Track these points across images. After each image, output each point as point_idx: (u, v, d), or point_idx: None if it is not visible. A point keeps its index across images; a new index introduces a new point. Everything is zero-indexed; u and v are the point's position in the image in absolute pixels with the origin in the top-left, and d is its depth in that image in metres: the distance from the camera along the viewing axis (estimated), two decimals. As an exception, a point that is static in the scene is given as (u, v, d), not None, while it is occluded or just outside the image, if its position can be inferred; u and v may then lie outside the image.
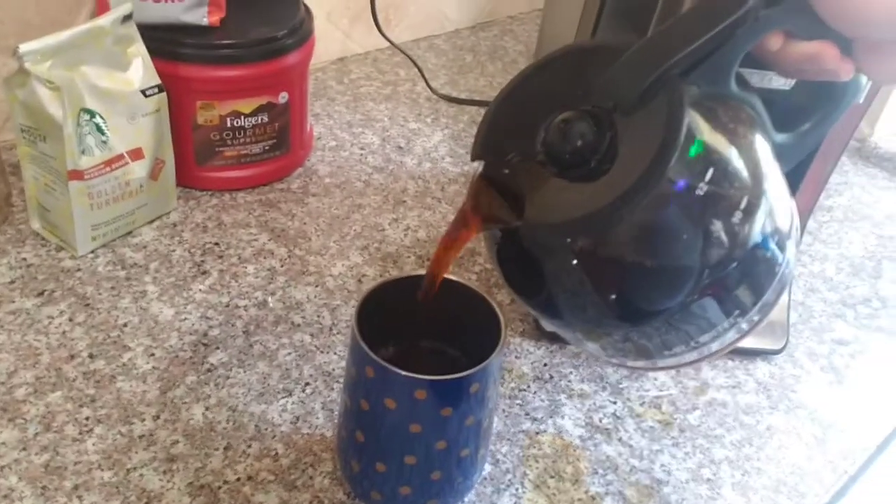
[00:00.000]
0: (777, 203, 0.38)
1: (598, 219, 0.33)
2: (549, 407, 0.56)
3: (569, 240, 0.35)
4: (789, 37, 0.36)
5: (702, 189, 0.34)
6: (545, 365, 0.59)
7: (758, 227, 0.36)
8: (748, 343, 0.61)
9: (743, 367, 0.61)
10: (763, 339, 0.62)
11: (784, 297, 0.64)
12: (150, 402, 0.52)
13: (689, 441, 0.55)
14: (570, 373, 0.59)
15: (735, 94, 0.37)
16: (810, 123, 0.41)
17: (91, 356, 0.54)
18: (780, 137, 0.39)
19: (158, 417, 0.51)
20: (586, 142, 0.34)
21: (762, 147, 0.37)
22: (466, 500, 0.49)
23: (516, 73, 0.39)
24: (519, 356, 0.60)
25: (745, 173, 0.36)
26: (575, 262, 0.36)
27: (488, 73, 0.99)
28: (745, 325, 0.39)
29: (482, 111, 0.90)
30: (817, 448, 0.55)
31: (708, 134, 0.35)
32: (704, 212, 0.35)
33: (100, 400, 0.51)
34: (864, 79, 0.39)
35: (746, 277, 0.37)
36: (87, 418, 0.50)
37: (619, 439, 0.54)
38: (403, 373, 0.39)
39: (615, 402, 0.57)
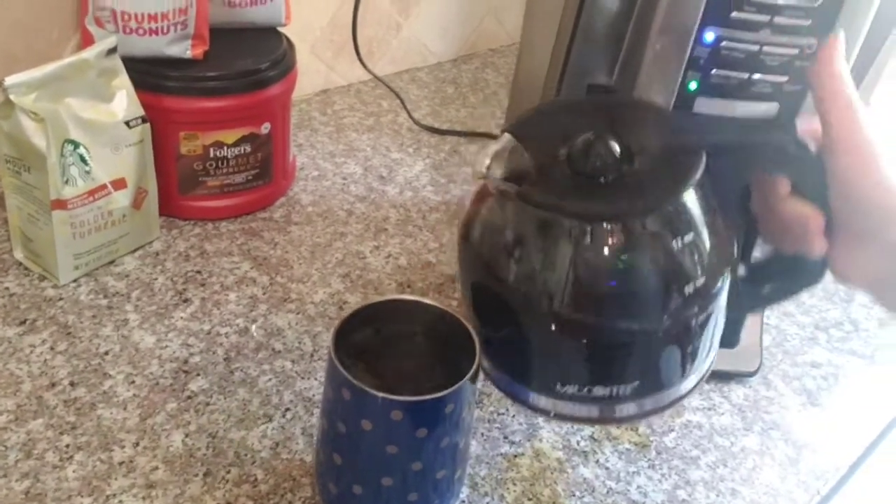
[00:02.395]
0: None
1: (584, 215, 0.39)
2: (527, 430, 0.57)
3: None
4: (793, 192, 0.41)
5: (677, 244, 0.40)
6: (524, 389, 0.60)
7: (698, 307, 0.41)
8: (723, 366, 0.63)
9: (718, 390, 0.62)
10: (737, 362, 0.63)
11: (758, 321, 0.65)
12: (130, 429, 0.52)
13: (665, 463, 0.56)
14: (549, 396, 0.60)
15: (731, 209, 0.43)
16: (769, 288, 0.46)
17: (72, 384, 0.55)
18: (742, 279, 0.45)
19: (138, 444, 0.51)
20: (605, 162, 0.39)
21: (727, 257, 0.43)
22: (445, 523, 0.49)
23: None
24: (498, 380, 0.60)
25: (706, 257, 0.41)
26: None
27: (469, 105, 1.01)
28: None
29: (463, 141, 0.92)
30: (790, 468, 0.56)
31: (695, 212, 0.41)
32: (666, 264, 0.40)
33: (80, 427, 0.52)
34: (824, 269, 0.43)
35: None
36: (67, 445, 0.50)
37: (597, 461, 0.55)
38: (379, 394, 0.40)
39: (592, 426, 0.58)
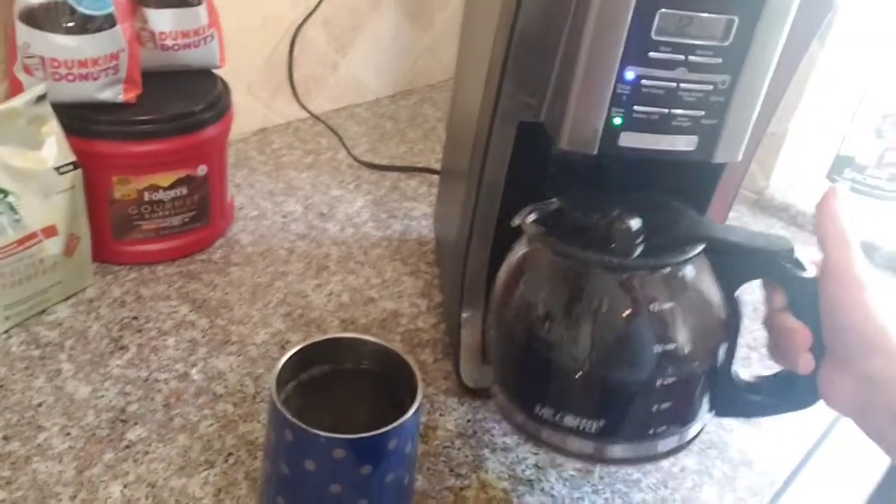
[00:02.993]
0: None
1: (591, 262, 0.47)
2: (472, 462, 0.57)
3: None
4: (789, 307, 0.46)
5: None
6: (468, 421, 0.61)
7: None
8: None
9: (657, 412, 0.64)
10: (675, 384, 0.65)
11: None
12: (66, 482, 0.51)
13: (608, 487, 0.57)
14: (493, 427, 0.60)
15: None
16: (760, 399, 0.51)
17: (5, 438, 0.53)
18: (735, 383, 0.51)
19: (75, 497, 0.50)
20: (638, 235, 0.47)
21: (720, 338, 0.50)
22: (392, 561, 0.49)
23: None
24: (443, 413, 0.61)
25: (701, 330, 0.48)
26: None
27: (408, 140, 1.03)
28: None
29: (403, 176, 0.93)
30: (727, 486, 0.58)
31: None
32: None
33: (15, 482, 0.50)
34: (815, 394, 0.47)
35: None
36: (3, 501, 0.49)
37: (542, 489, 0.56)
38: (321, 433, 0.40)
39: (537, 454, 0.58)
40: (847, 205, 0.46)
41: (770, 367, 0.50)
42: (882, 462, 0.68)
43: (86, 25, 0.61)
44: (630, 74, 0.50)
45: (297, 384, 0.45)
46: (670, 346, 0.47)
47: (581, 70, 0.51)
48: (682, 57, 0.50)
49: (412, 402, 0.43)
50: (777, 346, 0.47)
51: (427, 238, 0.83)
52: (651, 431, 0.48)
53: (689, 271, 0.48)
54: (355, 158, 0.95)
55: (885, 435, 0.43)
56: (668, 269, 0.47)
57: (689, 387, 0.48)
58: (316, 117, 0.97)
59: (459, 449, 0.58)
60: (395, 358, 0.46)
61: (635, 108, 0.51)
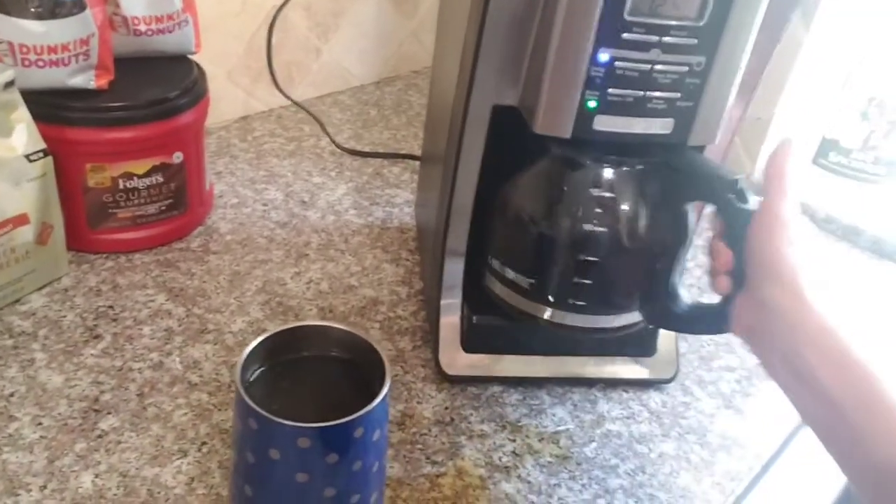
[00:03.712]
0: None
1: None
2: (449, 449, 0.57)
3: None
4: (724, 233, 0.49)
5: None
6: (446, 408, 0.60)
7: None
8: (641, 374, 0.64)
9: (637, 398, 0.64)
10: (655, 370, 0.65)
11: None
12: (36, 472, 0.50)
13: (586, 473, 0.56)
14: (471, 414, 0.60)
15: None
16: (682, 314, 0.56)
17: (-26, 430, 0.52)
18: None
19: (45, 487, 0.49)
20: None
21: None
22: (366, 549, 0.49)
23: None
24: (420, 401, 0.61)
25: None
26: None
27: (393, 126, 1.02)
28: None
29: (386, 163, 0.93)
30: (705, 470, 0.58)
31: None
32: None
33: (-18, 475, 0.50)
34: (726, 325, 0.50)
35: None
36: (-33, 495, 0.48)
37: (518, 476, 0.55)
38: (285, 422, 0.39)
39: (514, 440, 0.58)
40: (797, 158, 0.48)
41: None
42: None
43: (55, 10, 0.60)
44: (604, 56, 0.50)
45: (263, 372, 0.44)
46: (601, 229, 0.54)
47: (554, 52, 0.50)
48: (656, 38, 0.49)
49: (380, 389, 0.42)
50: (709, 268, 0.52)
51: (409, 225, 0.82)
52: (570, 301, 0.56)
53: (642, 177, 0.54)
54: (338, 145, 0.94)
55: (774, 370, 0.44)
56: (624, 169, 0.54)
57: (614, 273, 0.56)
58: (297, 104, 0.96)
59: (436, 436, 0.58)
60: (364, 345, 0.45)
61: (609, 90, 0.51)
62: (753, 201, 0.49)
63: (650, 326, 0.63)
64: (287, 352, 0.46)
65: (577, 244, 0.55)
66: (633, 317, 0.58)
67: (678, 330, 0.62)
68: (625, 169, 0.54)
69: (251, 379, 0.44)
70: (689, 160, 0.54)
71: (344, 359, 0.47)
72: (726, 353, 0.70)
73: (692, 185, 0.53)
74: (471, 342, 0.63)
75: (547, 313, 0.58)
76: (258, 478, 0.42)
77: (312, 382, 0.48)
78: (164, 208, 0.70)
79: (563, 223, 0.55)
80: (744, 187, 0.51)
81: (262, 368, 0.45)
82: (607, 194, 0.54)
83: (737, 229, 0.48)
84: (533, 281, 0.57)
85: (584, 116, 0.52)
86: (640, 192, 0.55)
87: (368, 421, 0.41)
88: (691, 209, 0.56)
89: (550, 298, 0.57)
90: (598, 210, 0.54)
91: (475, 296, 0.63)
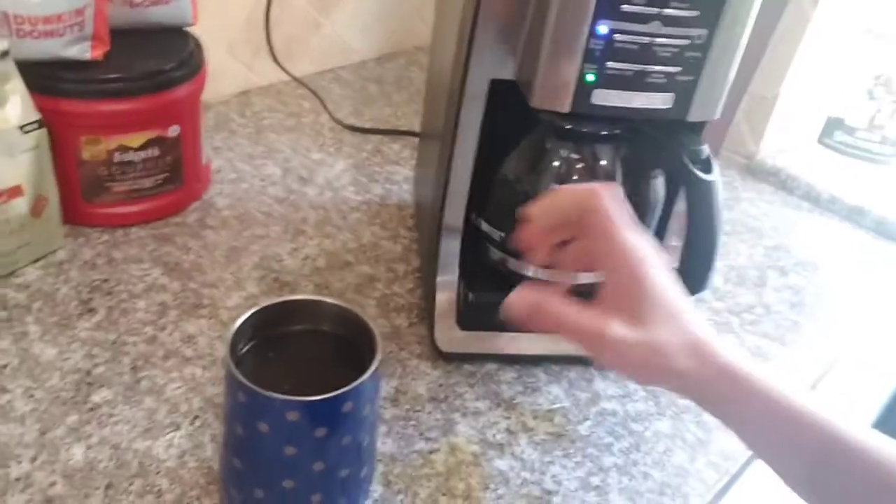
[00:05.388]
0: None
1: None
2: (443, 426, 0.57)
3: None
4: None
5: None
6: (440, 385, 0.60)
7: None
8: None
9: (633, 377, 0.63)
10: (652, 349, 0.64)
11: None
12: (27, 444, 0.50)
13: (580, 451, 0.56)
14: (465, 392, 0.60)
15: None
16: None
17: (-33, 401, 0.52)
18: None
19: (36, 459, 0.49)
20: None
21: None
22: (357, 523, 0.49)
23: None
24: (415, 378, 0.60)
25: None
26: None
27: (394, 103, 1.01)
28: None
29: (386, 139, 0.92)
30: (700, 450, 0.57)
31: None
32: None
33: (-26, 446, 0.50)
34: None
35: None
36: (-41, 465, 0.48)
37: (512, 453, 0.55)
38: (274, 395, 0.39)
39: (509, 418, 0.58)
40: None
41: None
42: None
43: (49, -21, 0.60)
44: (603, 28, 0.49)
45: (254, 346, 0.44)
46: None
47: (552, 24, 0.49)
48: (656, 10, 0.48)
49: (372, 364, 0.42)
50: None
51: (407, 202, 0.81)
52: None
53: (614, 142, 0.56)
54: (337, 121, 0.93)
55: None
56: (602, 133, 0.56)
57: None
58: (296, 79, 0.95)
59: (430, 413, 0.57)
60: (355, 320, 0.45)
61: (608, 64, 0.50)
62: (717, 173, 0.49)
63: None
64: (278, 325, 0.45)
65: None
66: None
67: None
68: (603, 133, 0.56)
69: (242, 352, 0.44)
70: (658, 128, 0.54)
71: (335, 334, 0.46)
72: (725, 331, 0.70)
73: (658, 154, 0.54)
74: (467, 319, 0.62)
75: (531, 271, 0.59)
76: (247, 451, 0.42)
77: (303, 357, 0.47)
78: (160, 182, 0.70)
79: (542, 182, 0.57)
80: (710, 157, 0.51)
81: (253, 342, 0.45)
82: (578, 156, 0.57)
83: (698, 200, 0.49)
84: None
85: (583, 90, 0.51)
86: (612, 156, 0.56)
87: (358, 395, 0.41)
88: (659, 178, 0.57)
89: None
90: (574, 170, 0.57)
91: (471, 273, 0.62)
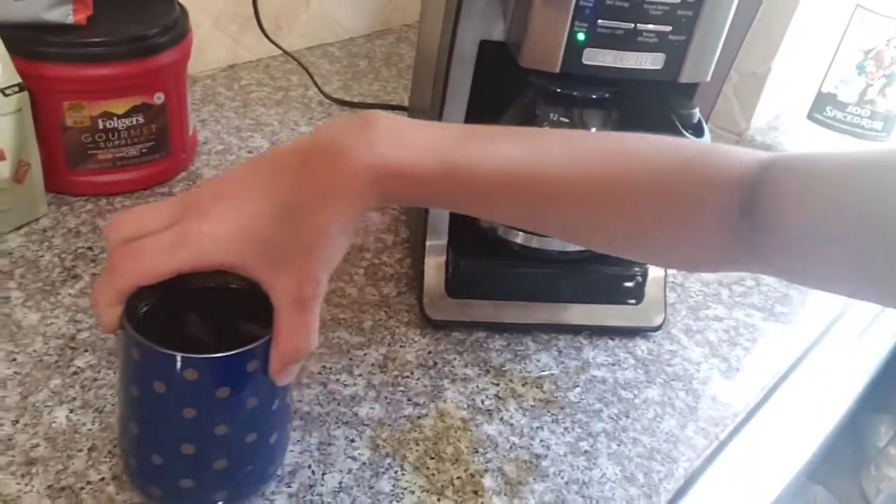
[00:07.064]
0: None
1: None
2: (431, 392, 0.56)
3: None
4: None
5: None
6: (429, 352, 0.59)
7: None
8: (628, 322, 0.64)
9: (623, 346, 0.63)
10: (642, 318, 0.64)
11: (661, 279, 0.66)
12: (9, 407, 0.49)
13: (569, 417, 0.56)
14: (455, 359, 0.59)
15: None
16: None
17: (-53, 366, 0.52)
18: None
19: (17, 422, 0.48)
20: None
21: None
22: (332, 487, 0.48)
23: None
24: (404, 345, 0.60)
25: None
26: None
27: (383, 79, 1.00)
28: None
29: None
30: (690, 416, 0.57)
31: None
32: None
33: (-45, 409, 0.49)
34: None
35: None
36: (-61, 428, 0.47)
37: (501, 419, 0.55)
38: (169, 352, 0.36)
39: (498, 385, 0.58)
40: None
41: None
42: (846, 397, 0.67)
43: (29, -60, 0.58)
44: (593, -15, 0.48)
45: (158, 304, 0.40)
46: None
47: (542, -19, 0.48)
48: (647, -33, 0.47)
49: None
50: None
51: (397, 175, 0.81)
52: None
53: (603, 106, 0.57)
54: (326, 95, 0.92)
55: None
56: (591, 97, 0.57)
57: None
58: (285, 52, 0.94)
59: (419, 379, 0.57)
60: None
61: (599, 22, 0.49)
62: (708, 136, 0.49)
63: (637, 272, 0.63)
64: (188, 282, 0.41)
65: None
66: None
67: None
68: (592, 97, 0.56)
69: (145, 310, 0.40)
70: (648, 92, 0.53)
71: (250, 291, 0.40)
72: (715, 303, 0.70)
73: (649, 118, 0.52)
74: (456, 287, 0.62)
75: (520, 237, 0.60)
76: (143, 414, 0.40)
77: (214, 316, 0.43)
78: (145, 151, 0.69)
79: None
80: (701, 120, 0.50)
81: (154, 300, 0.41)
82: (567, 119, 0.57)
83: None
84: None
85: (573, 50, 0.50)
86: (602, 121, 0.56)
87: (264, 354, 0.38)
88: None
89: None
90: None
91: (461, 240, 0.62)
